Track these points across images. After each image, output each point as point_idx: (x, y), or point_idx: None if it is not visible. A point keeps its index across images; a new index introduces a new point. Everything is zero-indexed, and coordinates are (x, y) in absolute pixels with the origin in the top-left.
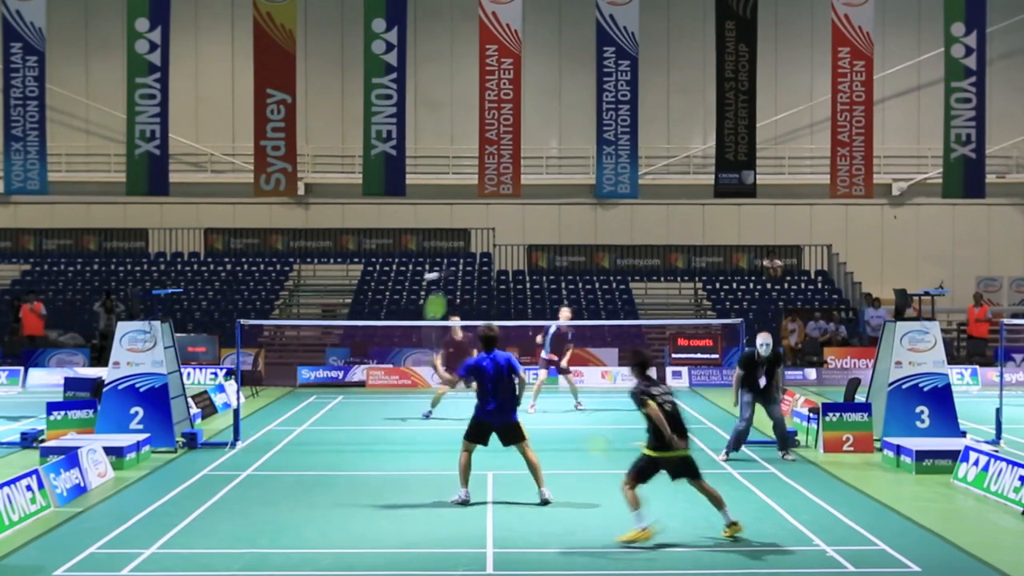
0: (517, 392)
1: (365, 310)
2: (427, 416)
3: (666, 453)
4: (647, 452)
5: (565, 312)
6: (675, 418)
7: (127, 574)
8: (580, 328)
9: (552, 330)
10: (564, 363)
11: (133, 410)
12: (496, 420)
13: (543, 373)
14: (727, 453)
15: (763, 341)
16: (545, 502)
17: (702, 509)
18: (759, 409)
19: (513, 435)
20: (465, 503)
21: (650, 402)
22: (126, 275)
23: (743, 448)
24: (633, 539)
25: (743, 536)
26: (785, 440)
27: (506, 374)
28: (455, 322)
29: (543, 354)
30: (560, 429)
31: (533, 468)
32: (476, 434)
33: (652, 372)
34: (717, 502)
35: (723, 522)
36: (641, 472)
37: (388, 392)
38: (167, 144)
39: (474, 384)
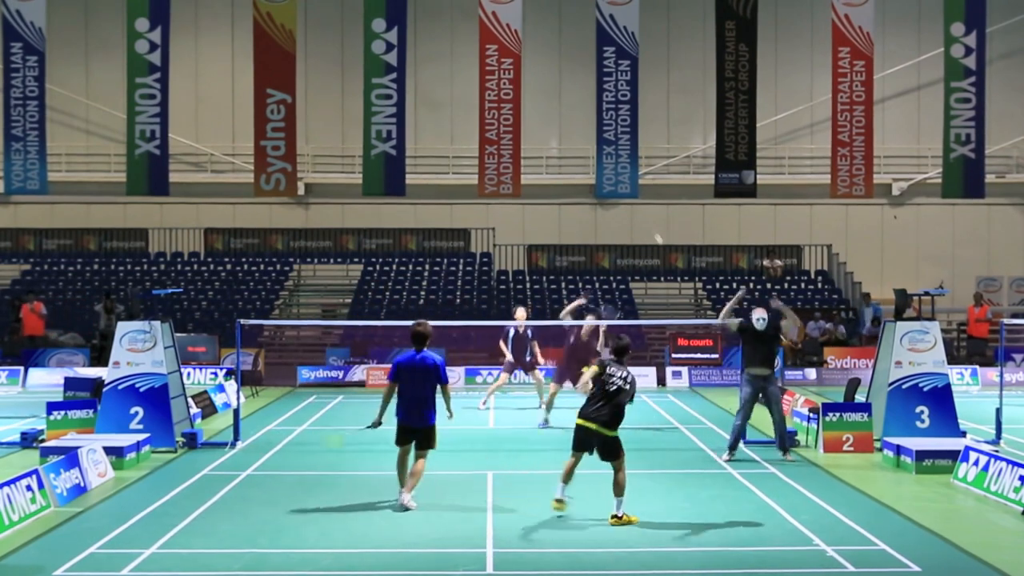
0: (444, 398)
1: (365, 310)
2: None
3: (580, 420)
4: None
5: (520, 312)
6: (611, 400)
7: (127, 574)
8: (580, 328)
9: (511, 333)
10: (534, 359)
11: (133, 410)
12: (415, 423)
13: (504, 376)
14: (730, 454)
15: (758, 316)
16: (403, 508)
17: (702, 509)
18: (759, 410)
19: (426, 440)
20: (402, 506)
21: (595, 367)
22: (126, 275)
23: (743, 448)
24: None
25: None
26: (784, 440)
27: (432, 377)
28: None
29: (508, 358)
30: (557, 431)
31: (415, 474)
32: (402, 438)
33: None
34: (618, 489)
35: (612, 510)
36: (574, 440)
37: None
38: (167, 144)
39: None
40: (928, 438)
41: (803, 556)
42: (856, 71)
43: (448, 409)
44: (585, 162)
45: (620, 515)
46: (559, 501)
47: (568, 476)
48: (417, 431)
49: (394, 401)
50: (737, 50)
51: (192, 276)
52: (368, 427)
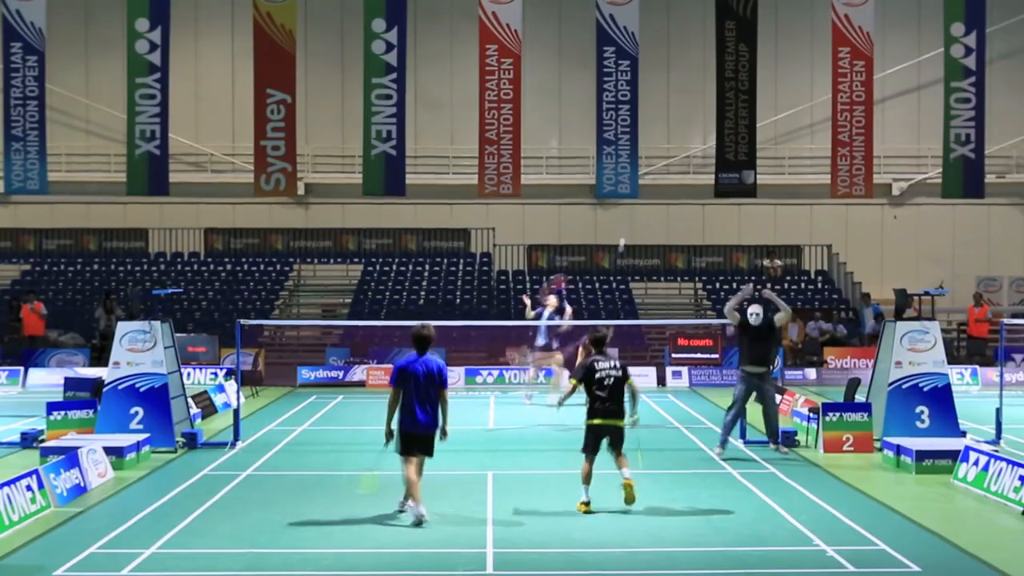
0: (441, 407)
1: (365, 310)
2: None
3: (590, 421)
4: (585, 421)
5: (552, 300)
6: (614, 394)
7: (127, 574)
8: (579, 328)
9: (545, 315)
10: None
11: (133, 410)
12: (419, 430)
13: (559, 370)
14: (721, 447)
15: (754, 311)
16: (421, 518)
17: (702, 509)
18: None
19: (427, 447)
20: (420, 518)
21: (571, 380)
22: (126, 275)
23: (743, 448)
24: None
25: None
26: (776, 433)
27: (435, 382)
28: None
29: (540, 342)
30: (557, 431)
31: (413, 482)
32: (407, 447)
33: (607, 349)
34: (622, 464)
35: (623, 479)
36: (586, 442)
37: (388, 392)
38: (167, 144)
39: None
40: (928, 438)
41: (803, 556)
42: (856, 71)
43: (443, 429)
44: (585, 162)
45: (630, 478)
46: (585, 503)
47: (588, 479)
48: (420, 438)
49: None
50: (737, 50)
51: (192, 276)
52: (386, 445)
